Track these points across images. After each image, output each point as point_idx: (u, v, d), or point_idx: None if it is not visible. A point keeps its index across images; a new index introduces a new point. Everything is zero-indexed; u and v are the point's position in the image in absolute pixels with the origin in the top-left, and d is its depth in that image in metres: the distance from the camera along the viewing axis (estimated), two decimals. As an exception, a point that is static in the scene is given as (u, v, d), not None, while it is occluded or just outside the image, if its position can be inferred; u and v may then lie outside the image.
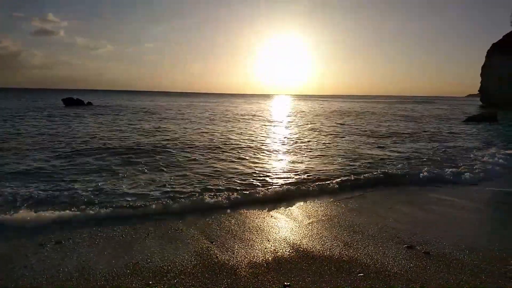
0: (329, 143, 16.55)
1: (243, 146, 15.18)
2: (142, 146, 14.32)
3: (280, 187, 8.44)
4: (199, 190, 8.04)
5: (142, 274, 4.33)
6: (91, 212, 6.40)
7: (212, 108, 50.82)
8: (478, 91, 72.67)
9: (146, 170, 10.00)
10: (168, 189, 8.12)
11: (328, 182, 8.83)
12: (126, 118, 29.25)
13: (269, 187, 8.36)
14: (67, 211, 6.41)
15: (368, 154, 13.56)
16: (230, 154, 12.98)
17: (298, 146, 15.65)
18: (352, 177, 9.29)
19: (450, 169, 10.20)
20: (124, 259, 4.74)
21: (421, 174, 9.65)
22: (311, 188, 8.36)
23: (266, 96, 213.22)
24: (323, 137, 19.02)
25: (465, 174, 9.73)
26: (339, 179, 9.09)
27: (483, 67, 69.49)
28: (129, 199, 7.27)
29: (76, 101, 43.27)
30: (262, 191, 7.93)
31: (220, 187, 8.39)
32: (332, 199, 7.70)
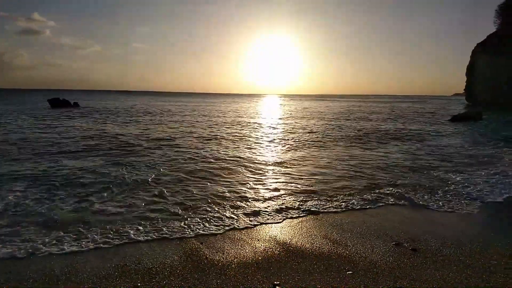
0: (321, 145, 16.65)
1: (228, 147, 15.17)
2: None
3: (268, 188, 8.45)
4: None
5: (130, 276, 4.29)
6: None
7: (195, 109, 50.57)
8: (464, 90, 74.08)
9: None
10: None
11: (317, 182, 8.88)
12: (110, 120, 28.88)
13: (258, 187, 8.37)
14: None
15: (356, 154, 13.70)
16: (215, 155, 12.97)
17: (283, 145, 15.71)
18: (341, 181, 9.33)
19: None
20: (112, 261, 4.69)
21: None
22: (301, 188, 8.38)
23: (257, 96, 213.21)
24: (313, 136, 19.13)
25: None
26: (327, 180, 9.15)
27: (468, 67, 70.84)
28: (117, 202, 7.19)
29: (62, 102, 42.47)
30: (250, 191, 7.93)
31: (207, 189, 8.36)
32: (321, 199, 7.75)
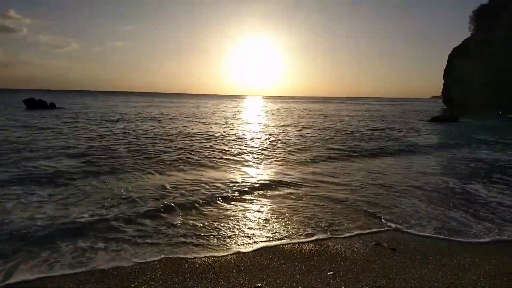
0: (304, 139, 16.79)
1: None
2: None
3: (249, 187, 8.45)
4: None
5: (108, 281, 4.18)
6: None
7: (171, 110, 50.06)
8: (441, 93, 76.47)
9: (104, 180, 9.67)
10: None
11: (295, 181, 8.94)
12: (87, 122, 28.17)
13: (239, 187, 8.35)
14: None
15: (338, 148, 13.89)
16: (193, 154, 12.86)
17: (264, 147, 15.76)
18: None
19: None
20: (88, 266, 4.56)
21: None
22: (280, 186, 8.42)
23: (240, 97, 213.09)
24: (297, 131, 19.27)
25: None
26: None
27: (445, 70, 73.20)
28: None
29: (38, 103, 40.99)
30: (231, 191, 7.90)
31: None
32: (300, 198, 7.80)
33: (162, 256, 4.90)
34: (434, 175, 10.40)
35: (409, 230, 6.02)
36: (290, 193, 8.15)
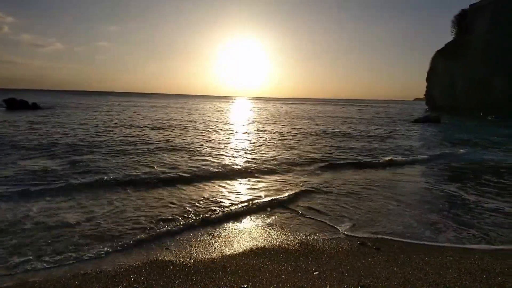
0: (290, 142, 16.87)
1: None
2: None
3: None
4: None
5: (91, 285, 4.10)
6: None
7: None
8: (424, 95, 78.08)
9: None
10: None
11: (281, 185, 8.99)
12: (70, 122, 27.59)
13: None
14: None
15: (326, 149, 14.04)
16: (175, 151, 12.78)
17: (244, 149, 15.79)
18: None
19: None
20: (72, 270, 4.46)
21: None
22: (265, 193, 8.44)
23: (227, 98, 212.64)
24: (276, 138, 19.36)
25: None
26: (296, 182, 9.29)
27: (428, 73, 74.79)
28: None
29: (19, 103, 39.81)
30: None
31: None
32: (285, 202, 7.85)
33: (147, 258, 4.84)
34: (414, 176, 10.62)
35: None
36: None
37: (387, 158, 12.86)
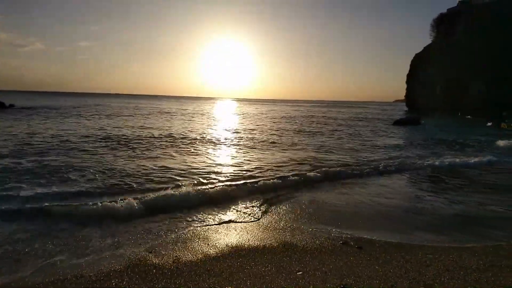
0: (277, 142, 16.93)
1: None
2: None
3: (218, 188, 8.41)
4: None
5: (71, 291, 3.99)
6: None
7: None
8: (404, 96, 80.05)
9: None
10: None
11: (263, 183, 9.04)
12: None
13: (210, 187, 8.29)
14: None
15: (312, 156, 14.17)
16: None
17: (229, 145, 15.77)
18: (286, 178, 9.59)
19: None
20: (53, 276, 4.33)
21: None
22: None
23: (212, 100, 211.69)
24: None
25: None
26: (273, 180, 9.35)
27: (408, 75, 76.75)
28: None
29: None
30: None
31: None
32: (269, 202, 7.88)
33: (129, 262, 4.76)
34: (390, 177, 10.89)
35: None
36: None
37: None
